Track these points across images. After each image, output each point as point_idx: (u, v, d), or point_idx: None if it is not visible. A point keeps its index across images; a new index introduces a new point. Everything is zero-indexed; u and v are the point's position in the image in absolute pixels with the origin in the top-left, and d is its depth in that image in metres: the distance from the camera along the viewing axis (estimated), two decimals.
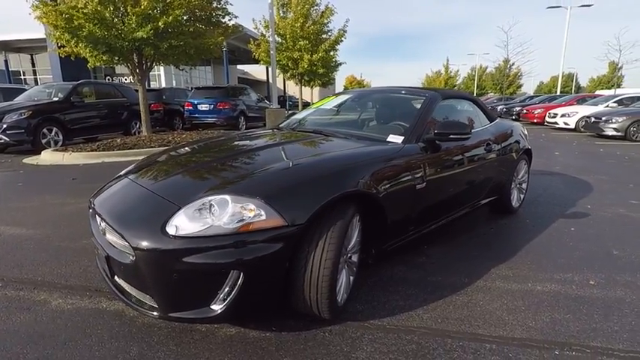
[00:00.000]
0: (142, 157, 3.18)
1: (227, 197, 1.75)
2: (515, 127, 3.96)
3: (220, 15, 8.68)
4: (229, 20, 8.97)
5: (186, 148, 2.78)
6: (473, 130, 3.29)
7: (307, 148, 2.59)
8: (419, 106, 2.91)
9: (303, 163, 2.12)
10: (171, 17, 7.40)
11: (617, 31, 52.35)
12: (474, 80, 47.97)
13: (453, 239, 3.21)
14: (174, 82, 28.46)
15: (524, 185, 4.08)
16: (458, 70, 53.12)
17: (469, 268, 2.69)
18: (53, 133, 8.24)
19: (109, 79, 26.92)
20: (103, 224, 1.93)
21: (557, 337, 1.94)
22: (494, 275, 2.59)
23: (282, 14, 17.36)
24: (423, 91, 3.09)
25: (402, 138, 2.57)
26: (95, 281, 2.45)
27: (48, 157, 7.28)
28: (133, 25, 7.34)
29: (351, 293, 2.26)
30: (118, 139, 8.64)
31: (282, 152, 2.45)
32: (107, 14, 7.27)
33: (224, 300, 1.68)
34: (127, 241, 1.71)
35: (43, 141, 8.04)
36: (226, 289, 1.67)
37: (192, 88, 14.35)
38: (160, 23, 7.37)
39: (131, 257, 1.70)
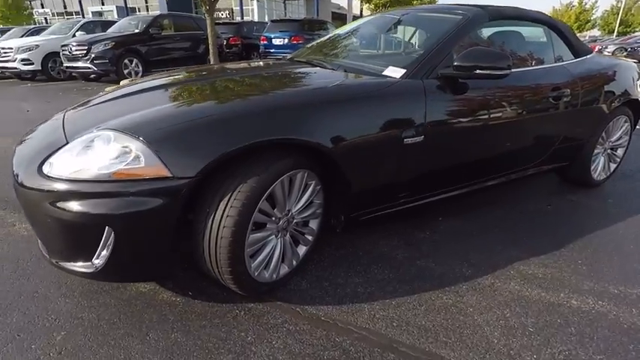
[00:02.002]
0: None
1: (111, 134, 1.39)
2: (622, 69, 2.76)
3: None
4: None
5: (145, 79, 2.40)
6: (534, 68, 2.34)
7: (259, 82, 2.01)
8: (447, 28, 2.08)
9: (217, 102, 1.63)
10: None
11: None
12: (618, 15, 38.15)
13: (482, 214, 2.46)
14: (266, 16, 28.30)
15: (619, 151, 2.94)
16: (596, 2, 42.72)
17: (483, 256, 2.00)
18: (134, 64, 8.76)
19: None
20: None
21: None
22: (514, 272, 1.87)
23: None
24: (462, 9, 2.20)
25: (403, 72, 1.86)
26: None
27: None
28: None
29: (305, 266, 1.83)
30: None
31: (224, 88, 1.93)
32: None
33: (103, 257, 1.40)
34: (14, 175, 1.50)
35: (125, 71, 8.63)
36: (102, 245, 1.38)
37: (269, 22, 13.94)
38: None
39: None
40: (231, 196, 1.37)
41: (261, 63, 2.78)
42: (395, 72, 1.87)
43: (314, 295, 1.69)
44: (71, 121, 1.69)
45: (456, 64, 1.80)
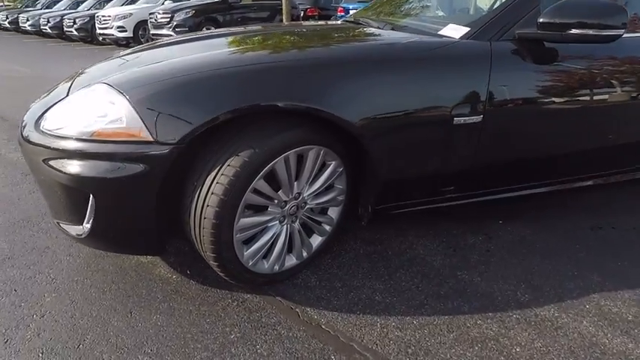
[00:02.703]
0: None
1: (103, 88, 1.24)
2: None
3: None
4: None
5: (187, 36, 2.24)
6: None
7: (282, 38, 1.70)
8: None
9: (225, 56, 1.38)
10: None
11: None
12: None
13: (558, 222, 1.94)
14: None
15: None
16: None
17: (549, 279, 1.54)
18: None
19: None
20: None
21: None
22: (591, 307, 1.40)
23: None
24: None
25: (466, 30, 1.43)
26: None
27: None
28: None
29: (318, 260, 1.57)
30: None
31: (243, 42, 1.66)
32: None
33: (89, 223, 1.29)
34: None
35: None
36: (87, 209, 1.26)
37: None
38: None
39: None
40: (218, 170, 1.14)
41: (312, 23, 2.48)
42: (455, 31, 1.45)
43: (321, 295, 1.43)
44: (84, 75, 1.59)
45: (542, 20, 1.32)
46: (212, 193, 1.13)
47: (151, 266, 1.55)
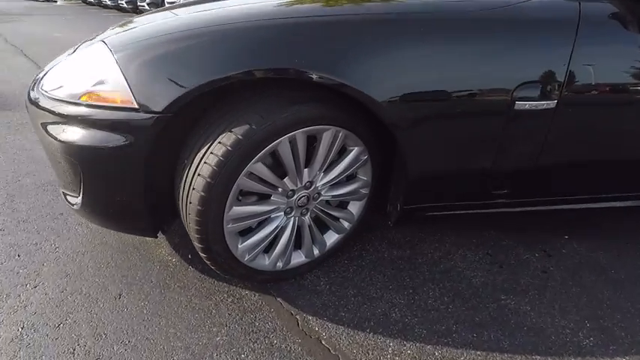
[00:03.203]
0: None
1: (99, 47, 1.10)
2: None
3: None
4: None
5: None
6: None
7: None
8: None
9: (228, 12, 1.15)
10: None
11: None
12: None
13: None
14: None
15: None
16: None
17: (626, 319, 1.19)
18: None
19: None
20: None
21: None
22: None
23: None
24: None
25: None
26: None
27: None
28: None
29: (334, 260, 1.36)
30: None
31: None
32: None
33: (80, 193, 1.19)
34: None
35: None
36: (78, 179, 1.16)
37: None
38: None
39: None
40: (208, 148, 0.96)
41: None
42: None
43: (328, 303, 1.22)
44: (105, 33, 1.48)
45: None
46: (198, 175, 0.96)
47: (154, 246, 1.45)
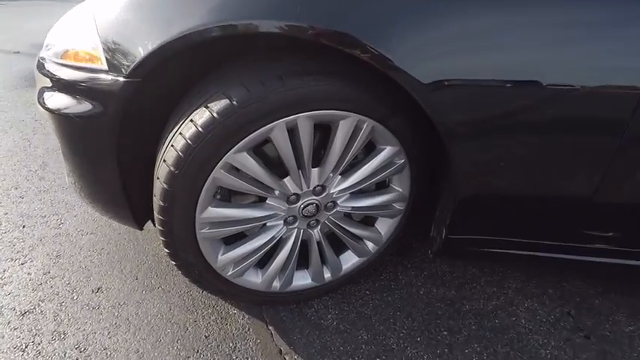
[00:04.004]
0: None
1: (84, 1, 0.94)
2: None
3: None
4: None
5: None
6: None
7: None
8: None
9: None
10: None
11: None
12: None
13: None
14: None
15: None
16: None
17: None
18: None
19: None
20: None
21: None
22: None
23: None
24: None
25: None
26: None
27: None
28: None
29: (351, 288, 1.07)
30: None
31: None
32: None
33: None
34: None
35: None
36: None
37: None
38: None
39: None
40: (177, 129, 0.73)
41: None
42: None
43: (330, 346, 0.93)
44: None
45: None
46: (164, 161, 0.73)
47: (154, 236, 1.29)
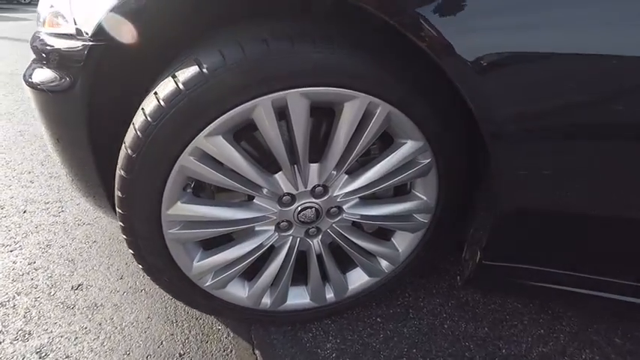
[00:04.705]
0: None
1: None
2: None
3: None
4: None
5: None
6: None
7: None
8: None
9: None
10: None
11: None
12: None
13: None
14: None
15: None
16: None
17: None
18: None
19: None
20: None
21: None
22: None
23: None
24: None
25: None
26: None
27: None
28: None
29: (358, 312, 0.89)
30: None
31: None
32: None
33: None
34: None
35: None
36: None
37: None
38: None
39: None
40: (140, 105, 0.60)
41: None
42: None
43: None
44: None
45: None
46: (124, 143, 0.60)
47: None
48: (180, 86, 0.53)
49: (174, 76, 0.55)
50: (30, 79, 0.76)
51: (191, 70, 0.54)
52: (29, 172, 1.51)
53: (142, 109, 0.57)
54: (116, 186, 0.61)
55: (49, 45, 0.71)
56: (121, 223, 0.65)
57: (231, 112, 0.55)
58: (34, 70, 0.78)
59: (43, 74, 0.74)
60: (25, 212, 1.27)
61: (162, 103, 0.54)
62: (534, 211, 0.63)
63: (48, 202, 1.32)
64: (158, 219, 0.63)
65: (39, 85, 0.74)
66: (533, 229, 0.65)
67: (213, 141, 0.58)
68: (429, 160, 0.70)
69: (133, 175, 0.59)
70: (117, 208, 0.63)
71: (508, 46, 0.50)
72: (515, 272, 0.68)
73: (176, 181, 0.60)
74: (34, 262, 1.05)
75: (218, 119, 0.56)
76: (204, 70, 0.53)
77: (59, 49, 0.68)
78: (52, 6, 0.73)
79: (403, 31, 0.51)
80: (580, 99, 0.53)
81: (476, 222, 0.76)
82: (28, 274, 1.01)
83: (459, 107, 0.59)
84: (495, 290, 0.93)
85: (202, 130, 0.56)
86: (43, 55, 0.74)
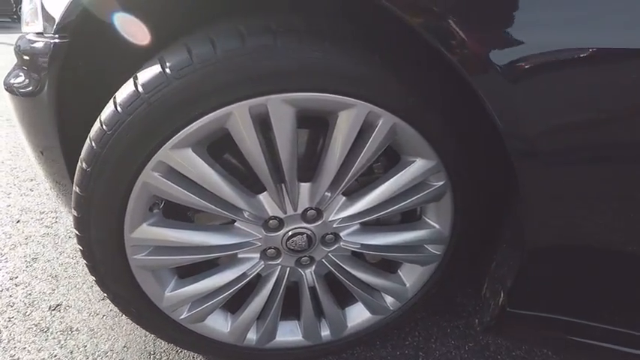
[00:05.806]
0: None
1: None
2: None
3: None
4: None
5: None
6: None
7: None
8: None
9: None
10: None
11: None
12: None
13: None
14: None
15: None
16: None
17: None
18: None
19: None
20: None
21: None
22: None
23: None
24: None
25: None
26: None
27: None
28: None
29: (366, 351, 0.78)
30: None
31: None
32: None
33: None
34: None
35: None
36: None
37: None
38: None
39: None
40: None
41: None
42: None
43: None
44: None
45: None
46: (80, 155, 0.52)
47: None
48: (139, 89, 0.45)
49: (135, 78, 0.47)
50: (6, 82, 0.71)
51: (153, 70, 0.45)
52: (31, 180, 1.47)
53: (100, 116, 0.49)
54: (72, 204, 0.53)
55: (22, 45, 0.65)
56: (79, 246, 0.56)
57: (200, 120, 0.46)
58: (11, 73, 0.72)
59: (17, 76, 0.68)
60: (18, 222, 1.22)
61: (118, 108, 0.46)
62: (572, 248, 0.51)
63: (43, 212, 1.27)
64: (120, 243, 0.54)
65: (8, 87, 0.68)
66: (573, 270, 0.52)
67: (180, 154, 0.49)
68: (442, 183, 0.58)
69: (88, 192, 0.50)
70: (75, 229, 0.55)
71: (548, 48, 0.40)
72: (546, 323, 0.56)
73: (139, 199, 0.52)
74: (16, 277, 0.99)
75: (185, 129, 0.47)
76: (167, 70, 0.44)
77: (28, 48, 0.62)
78: (30, 2, 0.68)
79: (424, 33, 0.41)
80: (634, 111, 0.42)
81: (498, 255, 0.64)
82: (8, 290, 0.94)
83: (480, 119, 0.48)
84: (521, 342, 0.79)
85: (167, 141, 0.47)
86: (19, 56, 0.68)
